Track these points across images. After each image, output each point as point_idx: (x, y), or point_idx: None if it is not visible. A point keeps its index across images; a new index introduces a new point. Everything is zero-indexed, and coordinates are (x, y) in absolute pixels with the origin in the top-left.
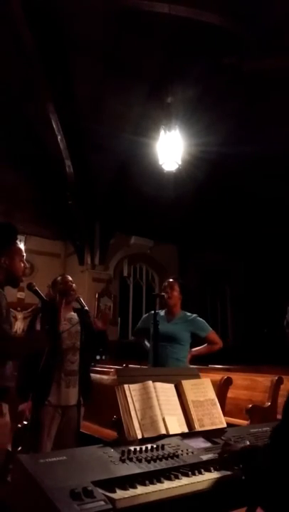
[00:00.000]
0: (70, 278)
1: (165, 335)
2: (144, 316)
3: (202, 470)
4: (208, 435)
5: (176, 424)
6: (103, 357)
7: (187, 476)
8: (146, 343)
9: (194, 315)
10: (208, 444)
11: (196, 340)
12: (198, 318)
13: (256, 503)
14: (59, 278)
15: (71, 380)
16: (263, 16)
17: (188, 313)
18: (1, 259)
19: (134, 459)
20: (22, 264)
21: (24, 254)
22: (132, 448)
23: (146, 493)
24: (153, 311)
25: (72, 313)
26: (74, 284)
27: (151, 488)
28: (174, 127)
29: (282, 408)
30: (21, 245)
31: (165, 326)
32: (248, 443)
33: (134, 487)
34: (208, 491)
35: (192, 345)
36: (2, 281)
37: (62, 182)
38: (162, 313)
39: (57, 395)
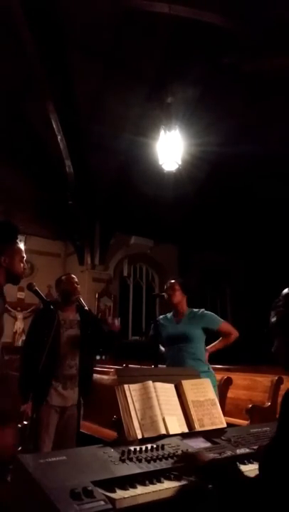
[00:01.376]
0: (75, 279)
1: (177, 336)
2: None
3: None
4: (208, 435)
5: (176, 424)
6: (103, 357)
7: (187, 476)
8: (161, 347)
9: (202, 310)
10: (208, 444)
11: (213, 336)
12: (206, 311)
13: None
14: (63, 277)
15: (69, 384)
16: (262, 16)
17: (196, 309)
18: (0, 258)
19: (134, 459)
20: (22, 264)
21: (24, 255)
22: (132, 448)
23: (146, 493)
24: (161, 316)
25: (74, 314)
26: (79, 286)
27: (151, 488)
28: (174, 127)
29: (278, 419)
30: (21, 245)
31: (175, 326)
32: (211, 456)
33: (134, 487)
34: (208, 490)
35: (208, 343)
36: (2, 281)
37: (63, 182)
38: (170, 315)
39: (55, 396)
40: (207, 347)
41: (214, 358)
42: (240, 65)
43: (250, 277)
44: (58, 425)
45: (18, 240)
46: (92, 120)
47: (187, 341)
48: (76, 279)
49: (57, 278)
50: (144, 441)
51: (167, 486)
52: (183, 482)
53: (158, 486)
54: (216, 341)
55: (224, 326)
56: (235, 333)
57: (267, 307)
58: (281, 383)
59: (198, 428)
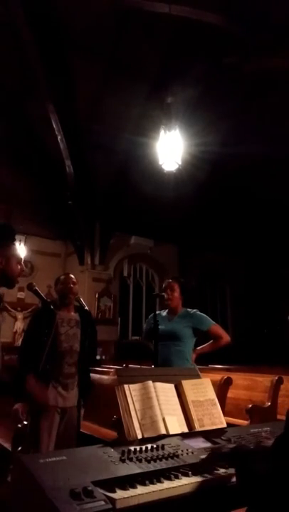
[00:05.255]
0: (74, 279)
1: (166, 333)
2: (148, 318)
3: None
4: (208, 435)
5: (176, 424)
6: (103, 357)
7: (187, 476)
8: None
9: (195, 310)
10: (208, 444)
11: (205, 338)
12: (199, 312)
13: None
14: (62, 277)
15: (69, 383)
16: (263, 16)
17: (190, 309)
18: None
19: (134, 459)
20: (19, 267)
21: (22, 258)
22: (132, 448)
23: (146, 493)
24: (156, 313)
25: (73, 313)
26: (76, 286)
27: (151, 488)
28: (174, 127)
29: (286, 415)
30: (21, 246)
31: (166, 324)
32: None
33: (134, 487)
34: (208, 490)
35: (199, 344)
36: None
37: (62, 182)
38: (164, 313)
39: (55, 397)
40: (197, 348)
41: (214, 358)
42: (241, 65)
43: (250, 277)
44: (59, 426)
45: (15, 243)
46: (92, 120)
47: (175, 339)
48: (74, 279)
49: (56, 278)
50: (144, 441)
51: (167, 486)
52: (183, 482)
53: (158, 486)
54: (206, 344)
55: (214, 328)
56: (226, 338)
57: (267, 307)
58: (281, 383)
59: (198, 428)
